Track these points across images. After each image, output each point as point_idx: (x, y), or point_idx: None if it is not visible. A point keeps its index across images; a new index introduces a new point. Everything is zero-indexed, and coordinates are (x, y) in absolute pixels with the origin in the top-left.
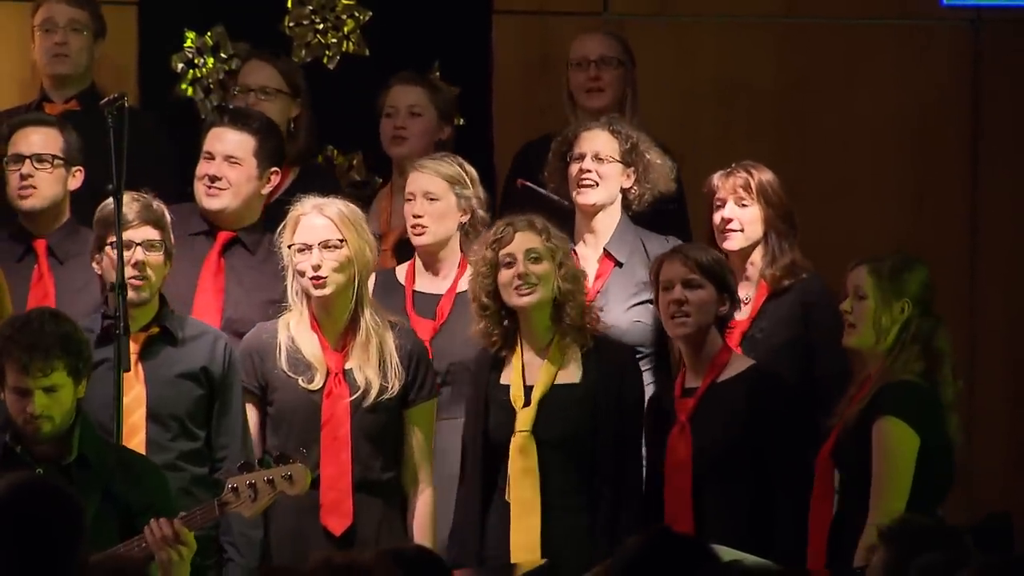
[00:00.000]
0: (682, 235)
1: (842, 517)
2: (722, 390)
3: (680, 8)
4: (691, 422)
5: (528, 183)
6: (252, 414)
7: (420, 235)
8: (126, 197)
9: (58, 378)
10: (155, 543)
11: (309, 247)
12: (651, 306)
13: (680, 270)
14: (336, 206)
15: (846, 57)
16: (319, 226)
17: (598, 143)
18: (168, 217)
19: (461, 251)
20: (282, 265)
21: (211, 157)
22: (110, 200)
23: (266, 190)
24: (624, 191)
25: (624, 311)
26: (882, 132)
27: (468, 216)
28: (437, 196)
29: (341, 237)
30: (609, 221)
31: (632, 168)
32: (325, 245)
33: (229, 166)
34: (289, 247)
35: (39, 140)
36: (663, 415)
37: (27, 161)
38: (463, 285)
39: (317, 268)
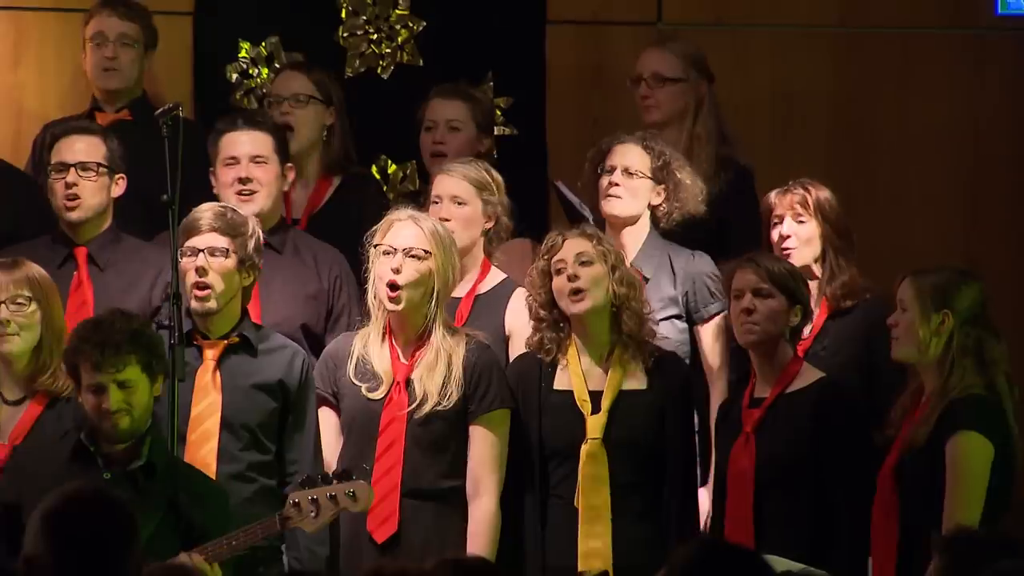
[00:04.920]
0: (756, 248)
1: (906, 534)
2: (790, 401)
3: (734, 18)
4: (756, 433)
5: (560, 184)
6: (331, 419)
7: None
8: (204, 206)
9: (131, 373)
10: None
11: (394, 251)
12: (678, 322)
13: (751, 279)
14: (432, 222)
15: (900, 67)
16: (409, 234)
17: (629, 157)
18: (252, 228)
19: (485, 256)
20: (365, 267)
21: (236, 161)
22: (192, 209)
23: (286, 187)
24: (653, 207)
25: None
26: (936, 142)
27: (493, 223)
28: (464, 200)
29: (427, 249)
30: (637, 236)
31: (662, 186)
32: (409, 253)
33: (256, 166)
34: (375, 247)
35: (83, 148)
36: (732, 423)
37: (72, 170)
38: (483, 288)
39: (397, 271)
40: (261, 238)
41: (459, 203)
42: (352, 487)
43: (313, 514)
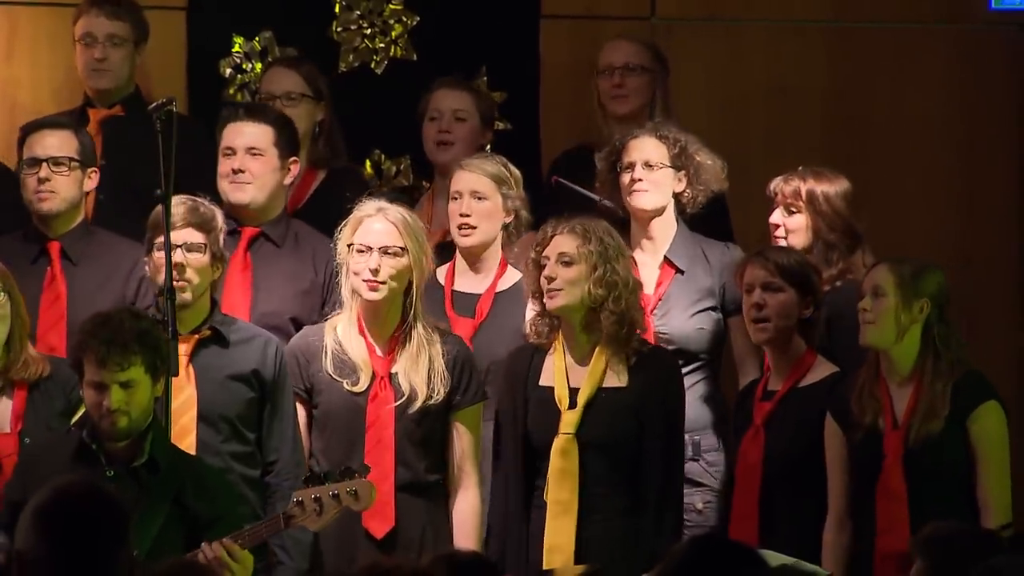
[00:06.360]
0: (727, 239)
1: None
2: (800, 395)
3: (728, 12)
4: (765, 426)
5: (562, 180)
6: (301, 415)
7: (467, 235)
8: (175, 200)
9: (135, 373)
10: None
11: (369, 249)
12: (713, 313)
13: (759, 274)
14: (400, 212)
15: (895, 61)
16: (382, 231)
17: (647, 150)
18: (220, 221)
19: (502, 251)
20: (335, 262)
21: (232, 152)
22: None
23: (287, 180)
24: (677, 195)
25: (687, 319)
26: (931, 137)
27: (512, 217)
28: (485, 195)
29: (402, 245)
30: (666, 228)
31: (683, 171)
32: (385, 251)
33: (252, 158)
34: (348, 247)
35: (54, 143)
36: (745, 417)
37: (44, 164)
38: (503, 285)
39: (375, 272)
40: (225, 230)
41: (479, 198)
42: (354, 485)
43: (317, 512)
